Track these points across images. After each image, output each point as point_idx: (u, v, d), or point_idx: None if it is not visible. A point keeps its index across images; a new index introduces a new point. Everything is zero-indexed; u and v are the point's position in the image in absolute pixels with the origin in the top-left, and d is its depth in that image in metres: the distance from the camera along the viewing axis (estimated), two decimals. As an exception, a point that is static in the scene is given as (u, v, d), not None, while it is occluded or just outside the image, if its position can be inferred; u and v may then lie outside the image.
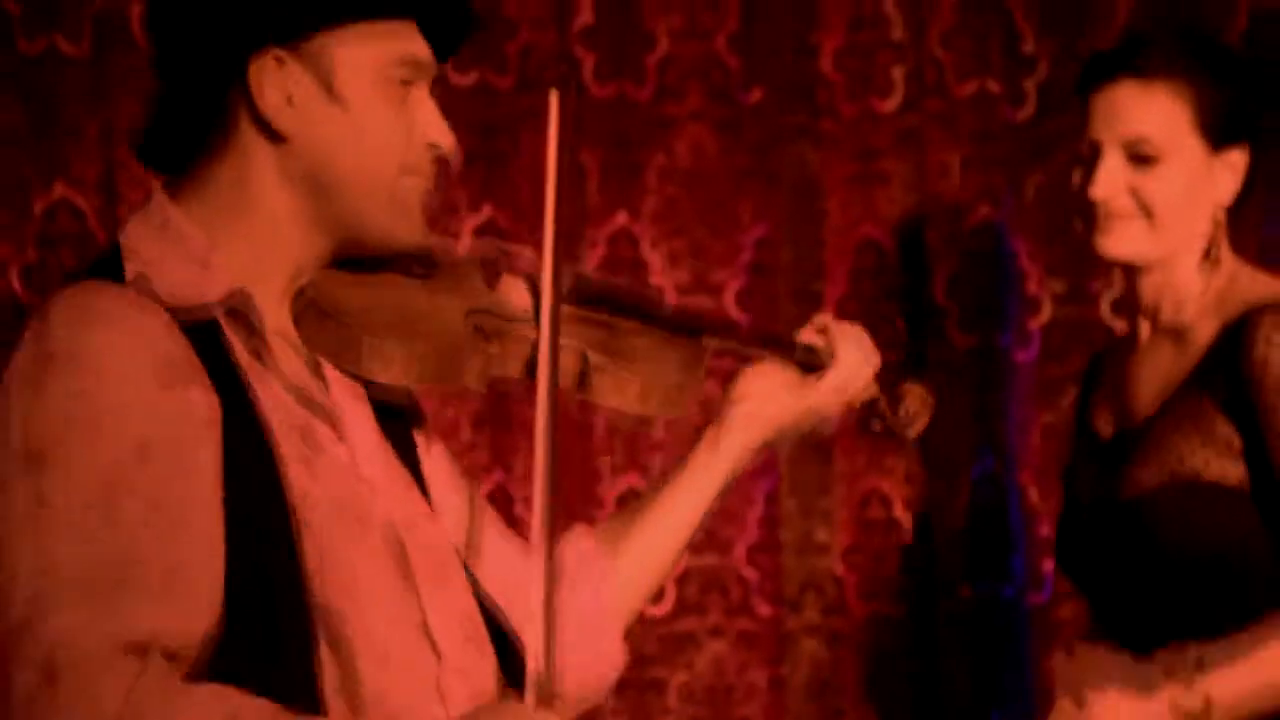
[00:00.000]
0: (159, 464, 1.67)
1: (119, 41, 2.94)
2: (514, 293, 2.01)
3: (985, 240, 3.37)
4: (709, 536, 3.27)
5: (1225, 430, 2.54)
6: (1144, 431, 2.59)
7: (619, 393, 2.01)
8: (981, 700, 3.34)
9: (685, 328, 2.11)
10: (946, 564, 3.34)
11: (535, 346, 1.92)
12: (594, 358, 2.00)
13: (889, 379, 2.18)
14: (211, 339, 1.76)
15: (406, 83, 1.85)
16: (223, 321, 1.78)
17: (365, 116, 1.83)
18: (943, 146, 3.31)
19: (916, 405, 2.20)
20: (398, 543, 1.84)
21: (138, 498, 1.66)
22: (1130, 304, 2.72)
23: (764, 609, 3.29)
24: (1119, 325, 3.07)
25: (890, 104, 3.28)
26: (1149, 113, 2.52)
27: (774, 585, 3.33)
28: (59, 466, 1.67)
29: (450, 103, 2.13)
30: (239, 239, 1.85)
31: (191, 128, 1.86)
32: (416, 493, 1.93)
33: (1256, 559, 2.53)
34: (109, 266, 1.79)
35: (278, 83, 1.79)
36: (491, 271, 2.05)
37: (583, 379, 1.99)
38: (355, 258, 1.92)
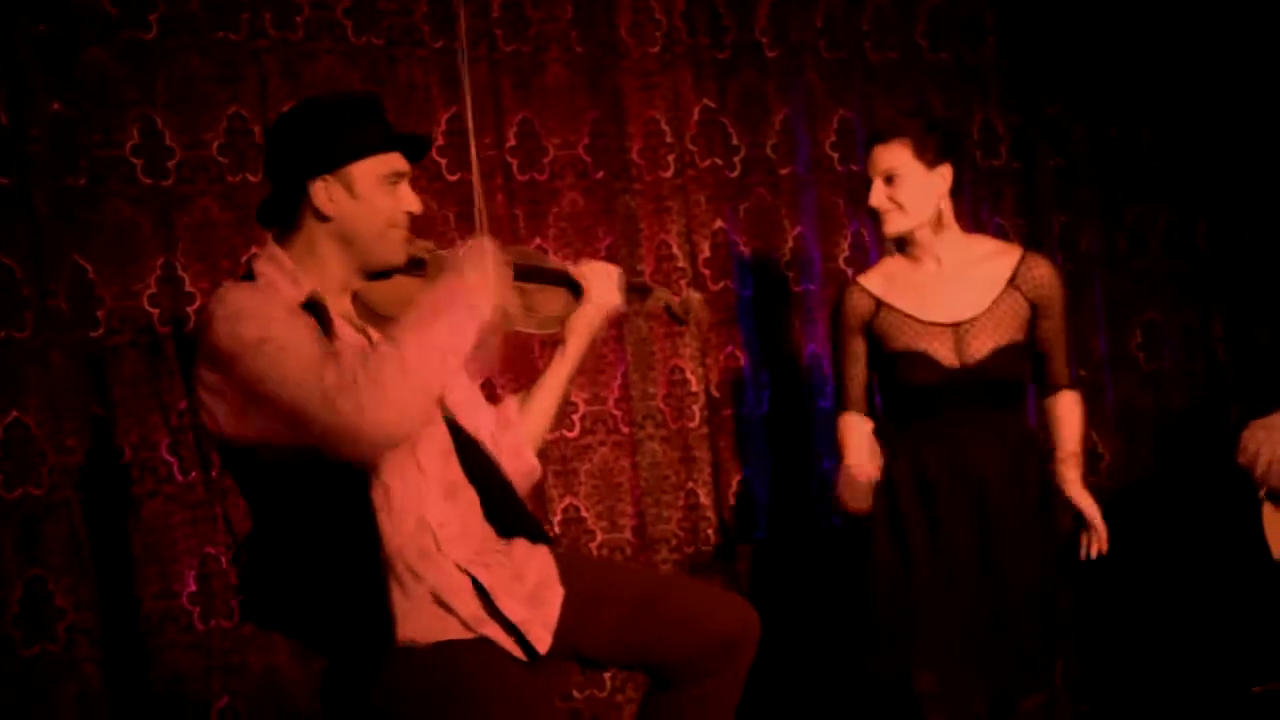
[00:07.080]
0: (289, 331, 2.18)
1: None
2: None
3: (720, 237, 4.15)
4: (594, 395, 3.97)
5: (1024, 313, 3.16)
6: (979, 318, 3.13)
7: (525, 325, 2.53)
8: (739, 464, 4.10)
9: (562, 283, 2.60)
10: (717, 399, 4.12)
11: None
12: (509, 309, 2.38)
13: (680, 292, 2.76)
14: (317, 306, 2.26)
15: (394, 182, 2.31)
16: (319, 301, 2.25)
17: (370, 202, 2.29)
18: (696, 191, 4.13)
19: (693, 306, 2.74)
20: None
21: (289, 340, 2.17)
22: (901, 251, 3.21)
23: (625, 430, 4.04)
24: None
25: (668, 173, 4.09)
26: (888, 157, 3.13)
27: (629, 417, 4.04)
28: (250, 332, 2.17)
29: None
30: (310, 270, 2.32)
31: (282, 210, 2.34)
32: None
33: (1022, 371, 3.20)
34: (246, 277, 2.32)
35: (324, 193, 2.28)
36: None
37: (504, 319, 2.35)
38: (379, 271, 2.33)
